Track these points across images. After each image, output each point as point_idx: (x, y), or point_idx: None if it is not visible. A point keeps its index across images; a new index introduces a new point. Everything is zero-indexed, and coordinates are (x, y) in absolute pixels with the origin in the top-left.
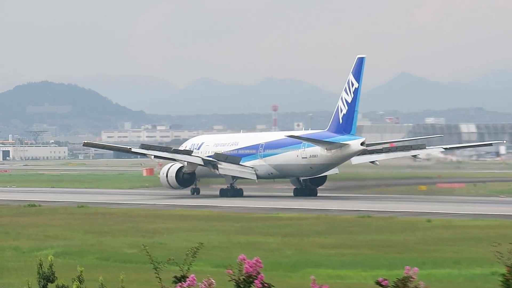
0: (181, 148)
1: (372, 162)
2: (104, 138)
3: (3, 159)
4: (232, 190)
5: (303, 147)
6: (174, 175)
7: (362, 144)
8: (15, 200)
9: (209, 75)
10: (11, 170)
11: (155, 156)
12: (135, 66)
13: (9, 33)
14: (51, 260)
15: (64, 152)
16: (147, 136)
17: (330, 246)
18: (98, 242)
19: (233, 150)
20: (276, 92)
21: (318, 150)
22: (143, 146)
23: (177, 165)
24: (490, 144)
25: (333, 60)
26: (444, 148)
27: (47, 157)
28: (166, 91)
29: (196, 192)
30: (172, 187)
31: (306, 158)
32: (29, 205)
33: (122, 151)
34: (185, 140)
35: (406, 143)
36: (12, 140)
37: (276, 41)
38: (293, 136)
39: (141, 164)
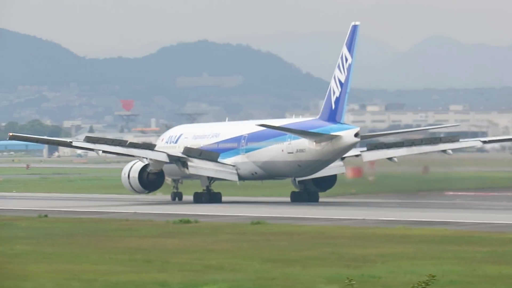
0: (160, 140)
1: (389, 158)
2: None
3: None
4: (208, 195)
5: (288, 140)
6: (137, 175)
7: (356, 135)
8: (161, 214)
9: (444, 32)
10: None
11: (104, 151)
12: (332, 19)
13: None
14: None
15: None
16: (353, 121)
17: None
18: (282, 275)
19: (213, 143)
20: None
21: (305, 144)
22: (89, 139)
23: (144, 162)
24: None
25: None
26: (483, 142)
27: None
28: (380, 55)
29: (178, 198)
30: (136, 191)
31: (292, 153)
32: (181, 220)
33: (61, 145)
34: (408, 126)
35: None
36: (156, 126)
37: None
38: (265, 126)
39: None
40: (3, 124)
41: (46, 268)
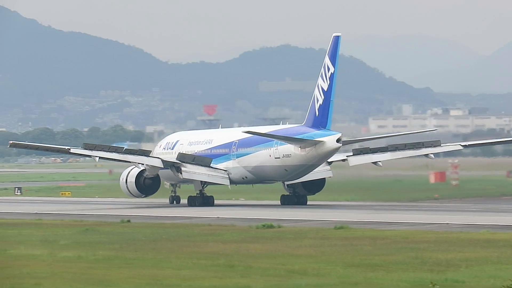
0: (158, 147)
1: (374, 163)
2: (373, 127)
3: None
4: (201, 198)
5: (275, 145)
6: (134, 180)
7: (338, 140)
8: (243, 218)
9: None
10: None
11: (101, 158)
12: (415, 22)
13: None
14: None
15: None
16: (435, 125)
17: None
18: (365, 280)
19: (207, 149)
20: None
21: (291, 149)
22: (86, 146)
23: (139, 168)
24: None
25: None
26: (463, 146)
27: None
28: (463, 59)
29: (175, 201)
30: (133, 195)
31: (279, 158)
32: (264, 225)
33: (59, 152)
34: (492, 131)
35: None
36: None
37: None
38: (250, 132)
39: (427, 166)
40: (86, 129)
41: (129, 273)
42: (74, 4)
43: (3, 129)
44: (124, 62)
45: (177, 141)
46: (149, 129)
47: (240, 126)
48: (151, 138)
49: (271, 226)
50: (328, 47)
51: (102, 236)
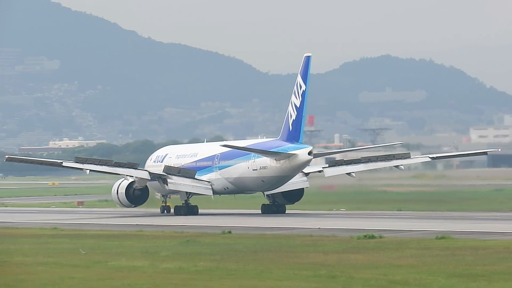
0: (149, 160)
1: (348, 173)
2: (474, 137)
3: None
4: (186, 208)
5: (253, 158)
6: (124, 191)
7: (309, 153)
8: (345, 229)
9: None
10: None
11: (92, 171)
12: None
13: None
14: None
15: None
16: None
17: None
18: None
19: (192, 162)
20: None
21: (267, 161)
22: (78, 160)
23: (130, 179)
24: (485, 153)
25: None
26: (431, 158)
27: (390, 167)
28: None
29: (166, 210)
30: (124, 205)
31: (256, 170)
32: (365, 236)
33: (52, 166)
34: None
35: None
36: (339, 142)
37: None
38: (226, 146)
39: None
40: (186, 140)
41: (230, 284)
42: (174, 16)
43: (104, 141)
44: (224, 73)
45: (166, 154)
46: None
47: (341, 136)
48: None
49: (372, 237)
50: (427, 58)
51: (203, 247)
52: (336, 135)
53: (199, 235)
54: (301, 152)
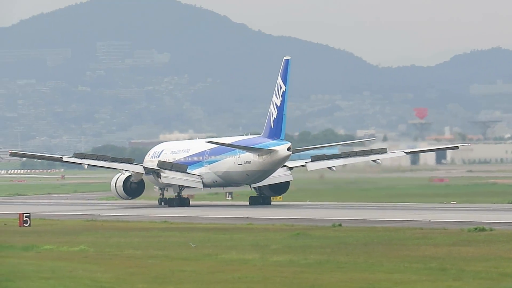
0: (147, 155)
1: (330, 168)
2: None
3: (436, 163)
4: (179, 200)
5: (238, 153)
6: (122, 184)
7: (288, 149)
8: (455, 222)
9: None
10: (449, 179)
11: (90, 165)
12: None
13: None
14: None
15: None
16: None
17: None
18: None
19: (185, 157)
20: None
21: (251, 157)
22: (77, 155)
23: (126, 174)
24: (456, 147)
25: None
26: (406, 152)
27: (501, 159)
28: None
29: (163, 202)
30: (122, 198)
31: (241, 164)
32: (476, 228)
33: (53, 161)
34: None
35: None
36: (450, 134)
37: None
38: (212, 142)
39: None
40: (296, 133)
41: (340, 277)
42: (284, 9)
43: (213, 134)
44: (334, 66)
45: (162, 150)
46: (360, 133)
47: (451, 129)
48: (361, 143)
49: (483, 229)
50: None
51: (313, 240)
52: (447, 128)
53: (309, 228)
54: (281, 148)
